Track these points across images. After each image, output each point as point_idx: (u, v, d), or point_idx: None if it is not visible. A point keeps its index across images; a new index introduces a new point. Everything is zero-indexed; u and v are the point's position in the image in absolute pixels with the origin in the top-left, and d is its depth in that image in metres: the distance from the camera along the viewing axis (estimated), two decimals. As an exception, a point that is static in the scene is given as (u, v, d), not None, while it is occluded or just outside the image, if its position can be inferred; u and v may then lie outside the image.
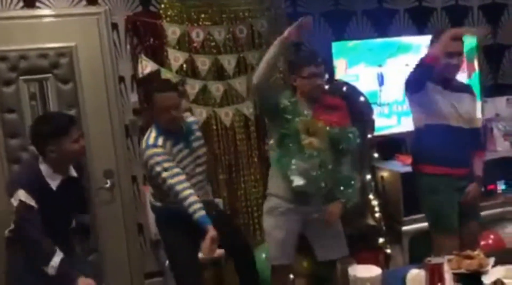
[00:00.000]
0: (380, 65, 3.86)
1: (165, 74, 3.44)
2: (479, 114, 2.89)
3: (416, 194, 2.94)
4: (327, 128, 2.61)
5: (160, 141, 2.54)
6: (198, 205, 2.47)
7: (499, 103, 4.11)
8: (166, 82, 2.96)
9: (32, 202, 2.22)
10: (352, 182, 2.71)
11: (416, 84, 2.69)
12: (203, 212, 2.47)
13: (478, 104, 2.92)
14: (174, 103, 2.54)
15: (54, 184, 2.33)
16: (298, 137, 2.58)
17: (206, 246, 2.43)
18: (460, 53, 2.76)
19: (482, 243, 3.24)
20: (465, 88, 2.91)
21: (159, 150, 2.51)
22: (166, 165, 2.49)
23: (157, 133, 2.57)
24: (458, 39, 2.73)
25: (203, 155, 2.74)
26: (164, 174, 2.48)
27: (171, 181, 2.47)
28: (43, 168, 2.32)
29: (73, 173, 2.43)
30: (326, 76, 2.77)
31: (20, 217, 2.25)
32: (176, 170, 2.51)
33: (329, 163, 2.62)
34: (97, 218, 3.48)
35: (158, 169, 2.48)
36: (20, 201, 2.21)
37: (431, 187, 2.79)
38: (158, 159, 2.49)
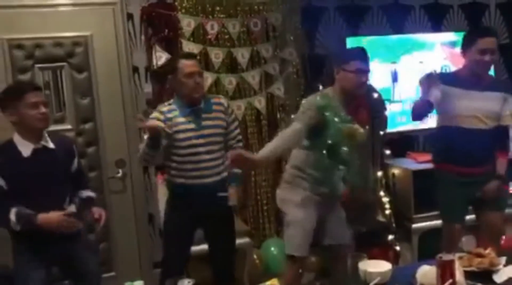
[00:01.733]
0: (394, 62, 3.84)
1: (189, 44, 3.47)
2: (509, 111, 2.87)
3: (429, 190, 3.06)
4: (362, 131, 2.57)
5: (164, 108, 2.73)
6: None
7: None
8: (190, 53, 3.17)
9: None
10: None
11: (416, 116, 2.93)
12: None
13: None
14: (197, 70, 2.72)
15: (25, 151, 2.36)
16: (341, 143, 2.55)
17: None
18: (492, 51, 2.77)
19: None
20: (496, 87, 2.88)
21: (155, 114, 2.72)
22: None
23: (170, 103, 2.77)
24: (491, 36, 2.78)
25: (214, 135, 2.74)
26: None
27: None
28: (14, 134, 2.37)
29: (50, 144, 2.44)
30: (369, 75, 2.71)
31: None
32: None
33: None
34: (108, 207, 3.51)
35: None
36: None
37: (441, 182, 2.95)
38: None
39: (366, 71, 2.59)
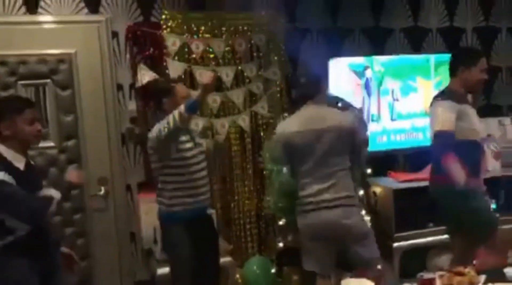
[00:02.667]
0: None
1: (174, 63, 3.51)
2: None
3: (410, 209, 3.15)
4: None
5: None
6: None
7: (492, 124, 4.17)
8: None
9: (11, 180, 2.26)
10: None
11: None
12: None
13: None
14: (189, 93, 2.95)
15: (20, 164, 2.36)
16: None
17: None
18: (487, 70, 2.97)
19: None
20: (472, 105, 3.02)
21: None
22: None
23: None
24: (483, 57, 2.98)
25: (203, 151, 2.95)
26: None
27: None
28: (2, 148, 2.34)
29: (31, 160, 2.50)
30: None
31: (4, 194, 2.25)
32: None
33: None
34: (90, 225, 3.47)
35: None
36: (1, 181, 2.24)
37: (470, 196, 2.77)
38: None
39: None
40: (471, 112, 2.91)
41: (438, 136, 2.76)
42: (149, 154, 2.90)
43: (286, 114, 3.61)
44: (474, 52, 3.10)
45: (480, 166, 2.92)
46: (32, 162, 2.50)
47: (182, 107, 2.60)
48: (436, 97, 2.99)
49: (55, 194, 2.41)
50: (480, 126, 2.95)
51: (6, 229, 2.27)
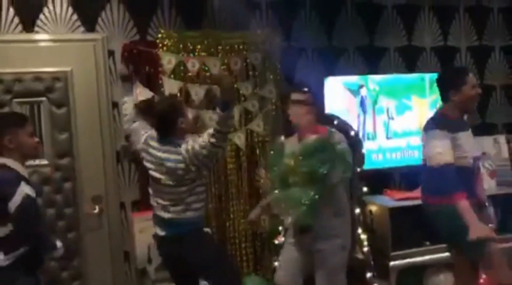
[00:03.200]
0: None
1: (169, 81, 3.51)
2: None
3: (406, 228, 3.13)
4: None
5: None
6: None
7: (486, 142, 4.19)
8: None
9: (34, 194, 2.35)
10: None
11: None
12: None
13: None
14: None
15: (26, 174, 2.44)
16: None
17: None
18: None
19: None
20: (468, 125, 2.99)
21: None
22: None
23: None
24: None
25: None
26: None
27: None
28: (11, 162, 2.39)
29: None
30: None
31: (28, 211, 2.30)
32: None
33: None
34: (84, 244, 3.43)
35: None
36: (27, 195, 2.30)
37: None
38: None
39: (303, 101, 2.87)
40: (464, 138, 2.83)
41: (445, 169, 2.72)
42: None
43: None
44: (460, 71, 3.02)
45: (473, 187, 2.85)
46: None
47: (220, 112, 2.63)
48: (430, 125, 2.90)
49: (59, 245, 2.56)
50: (473, 148, 2.89)
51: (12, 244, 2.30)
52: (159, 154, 2.77)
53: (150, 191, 2.88)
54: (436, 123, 2.86)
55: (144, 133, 2.91)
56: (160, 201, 2.80)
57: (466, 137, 2.85)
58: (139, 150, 2.90)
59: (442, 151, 2.73)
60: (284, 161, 2.81)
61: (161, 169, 2.76)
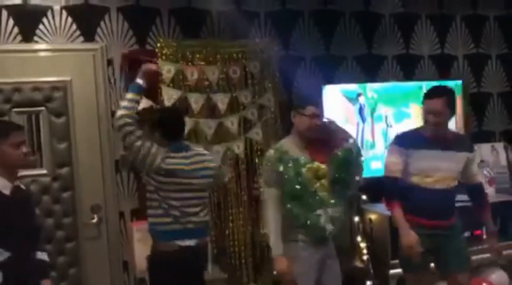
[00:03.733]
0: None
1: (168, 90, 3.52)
2: (475, 170, 3.03)
3: None
4: (324, 167, 2.69)
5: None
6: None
7: (484, 149, 4.20)
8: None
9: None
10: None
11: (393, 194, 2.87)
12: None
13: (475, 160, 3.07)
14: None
15: (5, 190, 2.30)
16: (308, 185, 2.67)
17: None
18: (436, 112, 2.79)
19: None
20: (459, 146, 2.90)
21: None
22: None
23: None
24: (437, 97, 2.81)
25: None
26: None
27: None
28: None
29: (21, 184, 2.44)
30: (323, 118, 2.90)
31: None
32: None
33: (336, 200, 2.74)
34: (82, 253, 3.42)
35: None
36: None
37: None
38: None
39: (319, 115, 2.77)
40: (420, 156, 2.82)
41: (386, 180, 2.90)
42: None
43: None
44: (425, 93, 2.95)
45: (439, 211, 2.84)
46: (22, 187, 2.44)
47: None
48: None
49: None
50: (446, 168, 2.84)
51: None
52: (185, 161, 2.77)
53: (166, 205, 2.72)
54: (395, 138, 3.01)
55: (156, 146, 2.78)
56: (185, 209, 2.74)
57: (425, 155, 2.81)
58: (158, 164, 2.71)
59: (387, 165, 2.90)
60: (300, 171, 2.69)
61: (192, 174, 2.76)
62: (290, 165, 2.66)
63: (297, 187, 2.66)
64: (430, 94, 2.86)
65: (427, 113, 2.83)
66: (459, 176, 2.91)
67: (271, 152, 2.75)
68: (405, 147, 2.85)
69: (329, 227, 2.69)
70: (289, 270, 2.61)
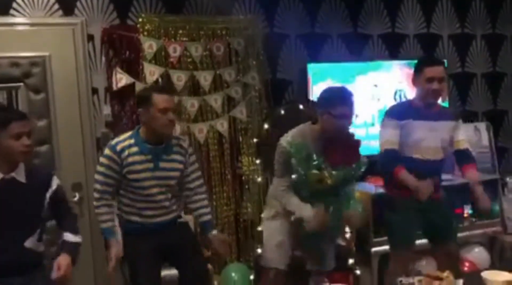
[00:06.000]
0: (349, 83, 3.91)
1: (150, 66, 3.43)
2: (461, 136, 2.99)
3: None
4: (333, 174, 2.60)
5: (123, 144, 2.58)
6: (106, 217, 2.64)
7: (467, 129, 4.21)
8: (165, 86, 3.10)
9: None
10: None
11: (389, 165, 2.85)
12: (108, 224, 2.65)
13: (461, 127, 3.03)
14: (172, 106, 2.61)
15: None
16: (310, 186, 2.63)
17: (109, 260, 2.59)
18: (440, 79, 2.83)
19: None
20: (446, 116, 2.96)
21: (108, 152, 2.60)
22: (102, 169, 2.61)
23: (130, 137, 2.61)
24: (438, 65, 2.86)
25: (168, 178, 2.67)
26: (96, 176, 2.64)
27: (95, 185, 2.64)
28: None
29: (20, 177, 2.31)
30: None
31: None
32: (108, 180, 2.61)
33: (336, 200, 2.70)
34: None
35: (98, 168, 2.64)
36: None
37: (393, 206, 2.92)
38: (104, 160, 2.61)
39: (350, 116, 2.63)
40: (411, 126, 2.83)
41: (385, 154, 2.86)
42: None
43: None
44: (420, 62, 2.97)
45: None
46: (21, 179, 2.30)
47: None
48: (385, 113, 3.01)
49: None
50: (433, 137, 2.86)
51: None
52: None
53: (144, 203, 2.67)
54: (388, 111, 2.95)
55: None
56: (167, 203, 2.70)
57: (419, 126, 2.83)
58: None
59: (385, 139, 2.85)
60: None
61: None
62: (301, 160, 2.58)
63: (302, 184, 2.64)
64: (431, 62, 2.90)
65: (429, 81, 2.81)
66: (448, 146, 2.93)
67: (284, 144, 2.63)
68: (399, 119, 2.84)
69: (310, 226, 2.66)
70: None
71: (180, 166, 2.70)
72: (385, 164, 2.89)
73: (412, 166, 2.82)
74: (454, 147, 2.96)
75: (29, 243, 2.33)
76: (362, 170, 2.72)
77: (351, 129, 2.77)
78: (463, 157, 2.98)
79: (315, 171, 2.57)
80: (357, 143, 2.77)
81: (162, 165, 2.63)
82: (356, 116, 3.42)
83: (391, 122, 2.86)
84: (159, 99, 2.53)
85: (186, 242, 2.78)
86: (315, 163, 2.59)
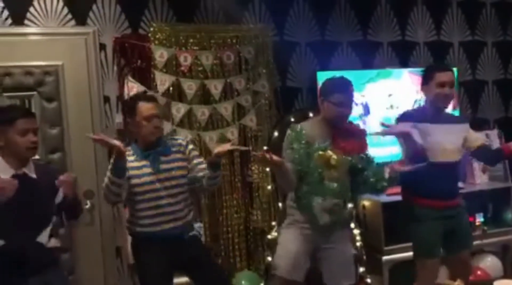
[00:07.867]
0: (359, 92, 3.92)
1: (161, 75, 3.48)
2: (476, 135, 2.97)
3: (399, 223, 2.99)
4: (336, 157, 2.59)
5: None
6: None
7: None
8: (149, 95, 3.16)
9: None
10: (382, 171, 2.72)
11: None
12: None
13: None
14: (156, 113, 2.68)
15: (3, 176, 2.26)
16: (318, 171, 2.60)
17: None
18: (451, 84, 2.84)
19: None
20: (457, 119, 2.98)
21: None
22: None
23: (128, 149, 2.67)
24: (448, 70, 2.86)
25: (173, 178, 2.69)
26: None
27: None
28: None
29: (31, 173, 2.36)
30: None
31: None
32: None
33: (347, 189, 2.70)
34: (76, 239, 3.41)
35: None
36: None
37: (417, 217, 2.84)
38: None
39: (349, 104, 2.64)
40: (432, 130, 2.78)
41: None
42: None
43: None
44: (430, 67, 2.96)
45: (444, 187, 2.81)
46: (32, 175, 2.36)
47: (108, 174, 2.54)
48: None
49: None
50: (448, 140, 2.82)
51: None
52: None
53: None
54: (401, 116, 2.90)
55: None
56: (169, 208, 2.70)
57: (433, 130, 2.79)
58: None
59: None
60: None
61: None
62: (302, 145, 2.60)
63: (303, 168, 2.60)
64: (442, 68, 2.89)
65: (441, 86, 2.80)
66: (463, 149, 2.91)
67: (288, 131, 2.68)
68: (413, 122, 2.78)
69: (325, 218, 2.63)
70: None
71: (183, 164, 2.74)
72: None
73: (431, 168, 2.77)
74: (473, 147, 2.91)
75: (41, 239, 2.36)
76: (373, 163, 2.73)
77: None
78: (486, 151, 2.94)
79: (320, 152, 2.59)
80: (362, 132, 2.78)
81: (163, 166, 2.67)
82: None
83: (407, 124, 2.78)
84: (143, 108, 2.65)
85: (199, 256, 2.75)
86: (320, 146, 2.61)
